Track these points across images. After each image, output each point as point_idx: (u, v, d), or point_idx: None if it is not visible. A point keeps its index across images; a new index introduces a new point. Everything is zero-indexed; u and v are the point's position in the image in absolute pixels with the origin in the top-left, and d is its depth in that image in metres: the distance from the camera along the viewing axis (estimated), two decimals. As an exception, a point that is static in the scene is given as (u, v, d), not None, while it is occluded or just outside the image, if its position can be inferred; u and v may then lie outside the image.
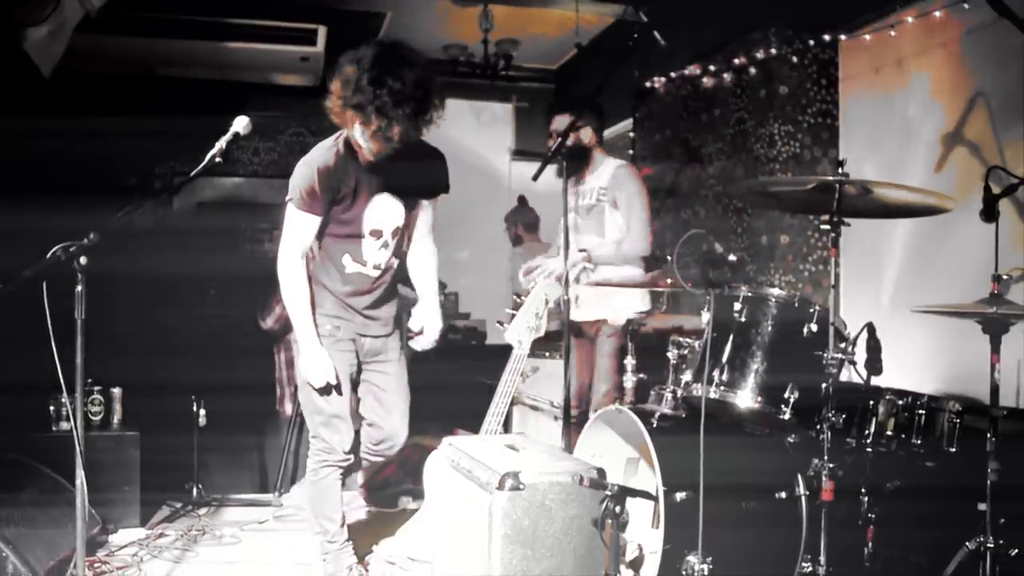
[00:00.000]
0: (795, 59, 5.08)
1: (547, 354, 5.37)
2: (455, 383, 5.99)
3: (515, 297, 3.69)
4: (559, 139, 4.15)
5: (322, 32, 6.61)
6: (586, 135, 4.36)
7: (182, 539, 4.40)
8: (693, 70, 5.74)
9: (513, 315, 3.73)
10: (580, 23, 6.38)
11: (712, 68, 5.59)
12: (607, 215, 4.31)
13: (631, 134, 6.73)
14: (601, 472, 2.89)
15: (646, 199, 4.31)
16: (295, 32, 6.62)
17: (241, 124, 3.62)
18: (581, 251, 4.16)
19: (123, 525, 4.42)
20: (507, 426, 5.39)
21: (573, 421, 4.11)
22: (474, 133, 8.93)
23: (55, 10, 4.34)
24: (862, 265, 4.77)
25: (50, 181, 5.31)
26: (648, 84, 6.29)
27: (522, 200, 7.17)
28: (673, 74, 5.96)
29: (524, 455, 3.09)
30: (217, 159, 3.52)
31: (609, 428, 3.63)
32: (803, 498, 3.09)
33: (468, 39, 7.31)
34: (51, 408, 4.46)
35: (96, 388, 4.58)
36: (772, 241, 5.10)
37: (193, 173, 3.53)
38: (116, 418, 4.64)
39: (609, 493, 2.77)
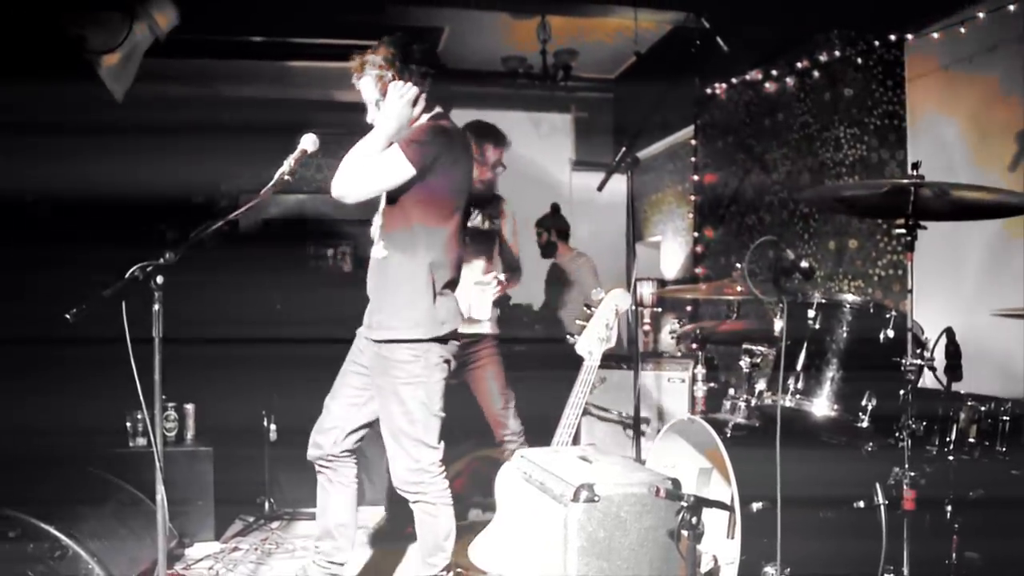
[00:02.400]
0: (859, 60, 5.00)
1: (614, 364, 5.36)
2: (528, 394, 6.02)
3: (585, 308, 3.68)
4: (623, 150, 4.14)
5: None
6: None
7: (255, 552, 4.46)
8: (755, 75, 5.68)
9: (583, 326, 3.72)
10: (639, 31, 6.36)
11: (775, 73, 5.53)
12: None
13: (693, 142, 6.68)
14: (676, 483, 2.87)
15: None
16: (355, 49, 6.68)
17: (309, 142, 3.67)
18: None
19: (198, 538, 4.49)
20: (576, 438, 5.38)
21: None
22: (534, 144, 8.93)
23: (127, 38, 4.46)
24: (939, 268, 4.66)
25: (123, 201, 5.44)
26: (709, 91, 6.25)
27: (555, 208, 7.14)
28: (735, 80, 5.91)
29: (597, 466, 3.08)
30: (286, 177, 3.58)
31: (680, 438, 3.60)
32: (882, 507, 3.02)
33: (526, 50, 7.33)
34: (128, 424, 4.56)
35: (170, 404, 4.67)
36: (840, 246, 5.02)
37: (263, 191, 3.58)
38: (190, 434, 4.73)
39: (685, 504, 2.74)
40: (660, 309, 7.09)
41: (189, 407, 4.77)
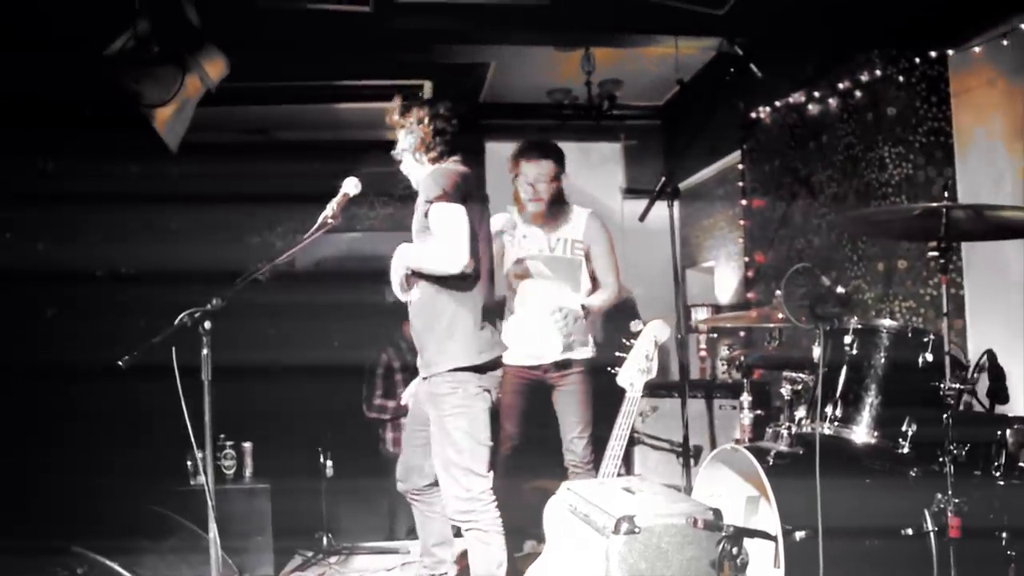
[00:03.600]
0: (901, 78, 4.95)
1: (665, 393, 5.36)
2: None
3: (624, 340, 3.70)
4: (664, 179, 4.17)
5: (428, 87, 6.81)
6: (564, 182, 4.46)
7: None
8: (798, 98, 5.66)
9: (624, 358, 3.74)
10: (681, 59, 6.38)
11: (817, 94, 5.51)
12: (582, 266, 4.41)
13: (740, 166, 6.66)
14: (717, 513, 2.88)
15: (613, 244, 4.47)
16: (403, 89, 6.83)
17: (350, 185, 3.80)
18: (583, 306, 4.26)
19: (257, 573, 4.59)
20: (629, 466, 5.38)
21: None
22: (584, 174, 8.93)
23: (179, 90, 4.63)
24: (991, 287, 4.57)
25: (178, 248, 5.63)
26: (754, 115, 6.24)
27: None
28: (778, 103, 5.90)
29: (640, 497, 3.10)
30: (329, 220, 3.70)
31: (726, 467, 3.59)
32: (932, 535, 2.97)
33: (572, 82, 7.40)
34: (188, 463, 4.69)
35: (228, 443, 4.80)
36: (889, 267, 4.95)
37: (306, 236, 3.71)
38: (248, 471, 4.84)
39: (725, 534, 2.75)
40: (716, 335, 7.06)
41: (247, 445, 4.89)
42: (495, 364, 3.50)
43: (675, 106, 8.34)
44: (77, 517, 4.09)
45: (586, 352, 4.34)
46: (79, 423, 4.93)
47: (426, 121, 3.64)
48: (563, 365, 4.29)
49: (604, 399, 4.35)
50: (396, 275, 3.50)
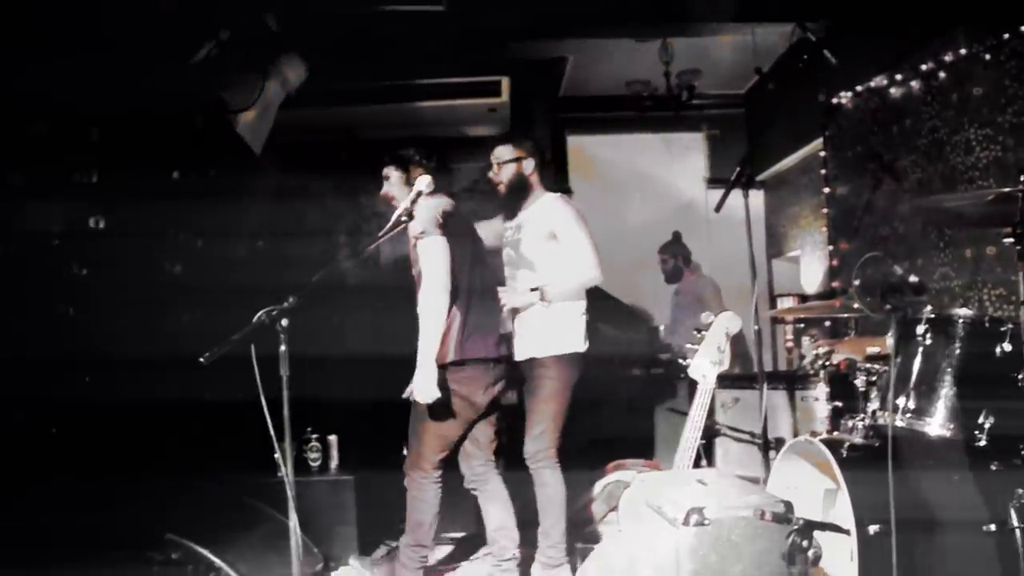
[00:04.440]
0: (988, 56, 4.79)
1: (746, 384, 5.31)
2: (659, 417, 6.02)
3: (695, 332, 3.69)
4: (738, 168, 4.14)
5: (506, 83, 6.87)
6: (528, 166, 4.28)
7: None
8: (879, 81, 5.53)
9: (695, 350, 3.73)
10: (759, 46, 6.30)
11: (899, 77, 5.38)
12: (548, 249, 4.21)
13: (822, 153, 6.54)
14: (788, 506, 2.85)
15: (586, 227, 4.20)
16: (481, 86, 6.91)
17: (423, 183, 3.89)
18: (533, 289, 4.14)
19: (343, 563, 4.71)
20: (710, 458, 5.35)
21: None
22: (666, 165, 8.93)
23: (260, 95, 4.78)
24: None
25: (266, 249, 5.79)
26: (835, 101, 6.12)
27: (676, 235, 7.25)
28: (859, 88, 5.77)
29: (712, 489, 3.09)
30: (403, 218, 3.79)
31: (802, 459, 3.55)
32: (1019, 532, 2.88)
33: (650, 73, 7.37)
34: (276, 456, 4.84)
35: (314, 436, 4.93)
36: (977, 254, 4.81)
37: (382, 234, 3.81)
38: (333, 464, 4.97)
39: (794, 527, 2.73)
40: (803, 325, 6.96)
41: (332, 438, 5.01)
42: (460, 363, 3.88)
43: (756, 94, 8.23)
44: (175, 508, 4.28)
45: (560, 346, 4.17)
46: (173, 416, 5.12)
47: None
48: (527, 361, 4.23)
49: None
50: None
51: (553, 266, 4.19)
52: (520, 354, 4.21)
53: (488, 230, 4.40)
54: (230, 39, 4.57)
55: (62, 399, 4.87)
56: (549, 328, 4.16)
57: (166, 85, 4.43)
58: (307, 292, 3.14)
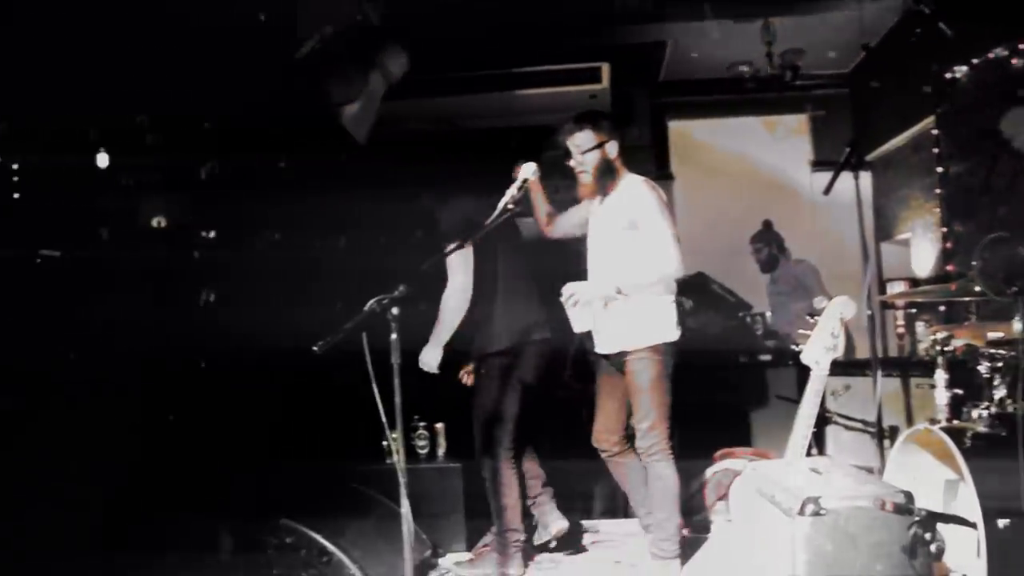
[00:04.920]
0: (1121, 20, 4.52)
1: (858, 371, 5.16)
2: (766, 406, 5.91)
3: (808, 318, 3.59)
4: (848, 149, 4.02)
5: (606, 68, 6.81)
6: (612, 150, 4.06)
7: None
8: (1000, 52, 5.28)
9: (807, 336, 3.64)
10: (866, 22, 6.10)
11: (1021, 47, 5.11)
12: (628, 238, 4.01)
13: (935, 131, 6.30)
14: (908, 496, 2.76)
15: (669, 216, 3.97)
16: (581, 72, 6.88)
17: (529, 171, 3.89)
18: (613, 285, 3.95)
19: (451, 549, 4.76)
20: (821, 447, 5.23)
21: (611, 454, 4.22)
22: (769, 148, 8.75)
23: (364, 88, 4.85)
24: None
25: (368, 240, 5.88)
26: (948, 75, 5.87)
27: (767, 224, 7.08)
28: (976, 60, 5.52)
29: (827, 479, 3.02)
30: (510, 206, 3.80)
31: (921, 448, 3.44)
32: None
33: (752, 55, 7.22)
34: (384, 443, 4.91)
35: (422, 424, 4.98)
36: (1108, 233, 4.58)
37: (488, 221, 3.83)
38: (441, 451, 5.02)
39: (917, 519, 2.64)
40: (914, 310, 6.74)
41: (439, 426, 5.06)
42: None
43: (862, 72, 7.99)
44: (289, 493, 4.40)
45: (653, 336, 4.04)
46: (288, 404, 5.26)
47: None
48: (618, 354, 4.11)
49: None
50: None
51: (633, 257, 3.99)
52: (609, 347, 4.11)
53: (575, 219, 4.34)
54: (333, 33, 4.64)
55: (178, 386, 5.06)
56: (640, 318, 4.02)
57: (273, 81, 4.53)
58: (416, 281, 3.17)
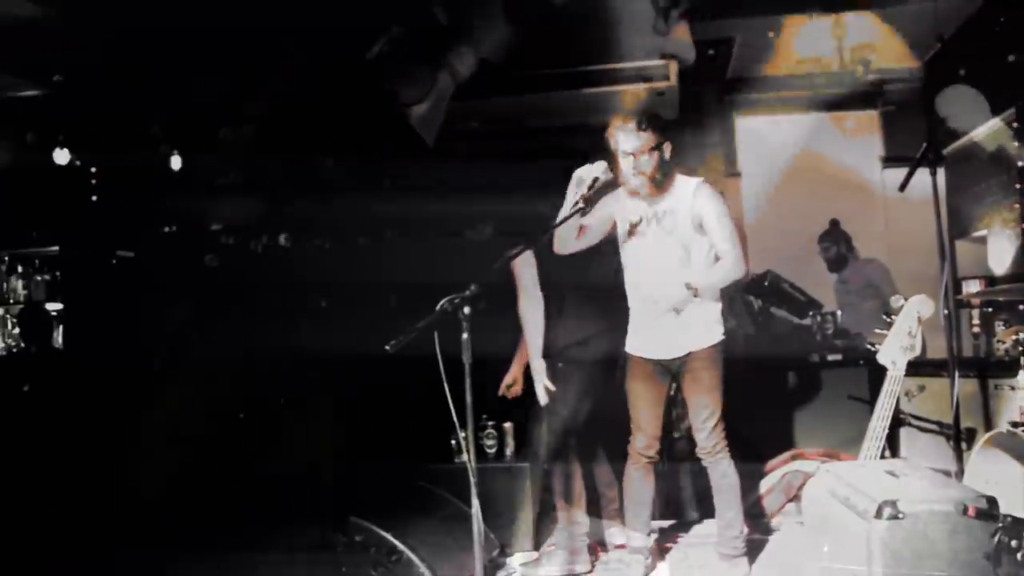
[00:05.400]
0: None
1: (933, 371, 5.05)
2: (837, 406, 5.81)
3: (884, 317, 3.53)
4: (924, 144, 3.94)
5: (674, 66, 6.75)
6: (667, 151, 3.99)
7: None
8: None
9: (884, 335, 3.57)
10: (941, 13, 5.96)
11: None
12: (695, 240, 3.99)
13: (1015, 125, 6.12)
14: (992, 501, 2.70)
15: (731, 218, 4.00)
16: (649, 70, 6.83)
17: (599, 169, 3.88)
18: (688, 286, 3.90)
19: (518, 548, 4.77)
20: (894, 449, 5.12)
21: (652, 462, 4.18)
22: (839, 145, 8.59)
23: (432, 87, 4.89)
24: None
25: (436, 241, 5.91)
26: (1032, 65, 5.71)
27: (834, 222, 6.94)
28: (1058, 51, 5.36)
29: (904, 481, 2.96)
30: (581, 205, 3.80)
31: (1003, 452, 3.35)
32: None
33: (822, 50, 7.11)
34: (452, 442, 4.94)
35: (490, 423, 5.00)
36: None
37: (558, 221, 3.83)
38: (509, 451, 5.04)
39: (1001, 525, 2.58)
40: (991, 310, 6.56)
41: (507, 425, 5.07)
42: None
43: (936, 65, 7.78)
44: (357, 493, 4.44)
45: (713, 336, 4.05)
46: (359, 403, 5.32)
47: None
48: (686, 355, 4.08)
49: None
50: None
51: (701, 258, 4.02)
52: (673, 351, 4.08)
53: (599, 227, 4.25)
54: (402, 34, 4.68)
55: (253, 389, 5.15)
56: (702, 319, 4.03)
57: (343, 82, 4.59)
58: (487, 279, 3.18)
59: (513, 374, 4.81)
